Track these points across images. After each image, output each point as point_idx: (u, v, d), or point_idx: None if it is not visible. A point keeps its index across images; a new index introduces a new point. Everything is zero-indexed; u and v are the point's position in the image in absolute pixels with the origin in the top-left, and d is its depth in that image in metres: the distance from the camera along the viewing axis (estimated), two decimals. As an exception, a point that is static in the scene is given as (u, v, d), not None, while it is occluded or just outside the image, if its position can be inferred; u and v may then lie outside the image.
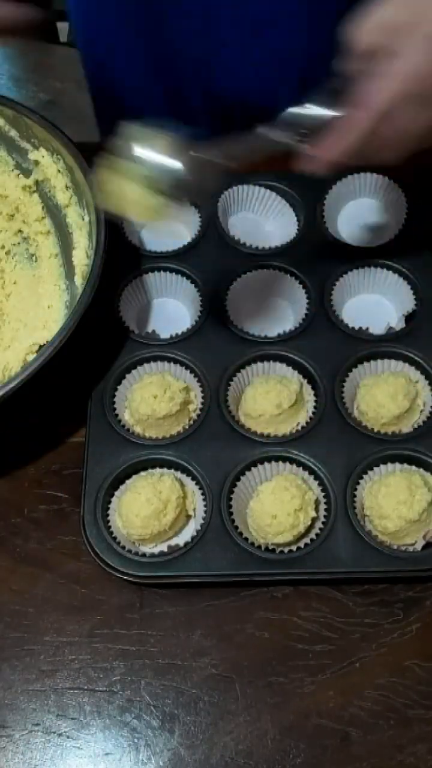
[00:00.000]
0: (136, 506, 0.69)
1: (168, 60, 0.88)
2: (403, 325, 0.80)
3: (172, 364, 0.78)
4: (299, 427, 0.74)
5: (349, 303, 0.84)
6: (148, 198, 0.63)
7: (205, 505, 0.70)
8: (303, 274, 0.82)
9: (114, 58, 0.90)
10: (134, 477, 0.73)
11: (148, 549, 0.70)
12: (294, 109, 0.61)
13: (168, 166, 0.62)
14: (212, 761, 0.63)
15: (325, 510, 0.70)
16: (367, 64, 0.58)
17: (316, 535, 0.69)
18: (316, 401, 0.76)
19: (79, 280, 0.77)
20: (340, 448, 0.72)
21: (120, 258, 0.82)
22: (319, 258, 0.83)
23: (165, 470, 0.73)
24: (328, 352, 0.78)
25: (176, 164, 0.62)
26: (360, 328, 0.80)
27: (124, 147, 0.62)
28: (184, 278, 0.83)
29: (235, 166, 0.63)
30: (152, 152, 0.62)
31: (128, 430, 0.74)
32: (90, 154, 0.78)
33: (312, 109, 0.60)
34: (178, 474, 0.72)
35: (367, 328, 0.80)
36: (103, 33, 0.88)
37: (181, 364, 0.78)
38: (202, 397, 0.76)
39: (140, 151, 0.62)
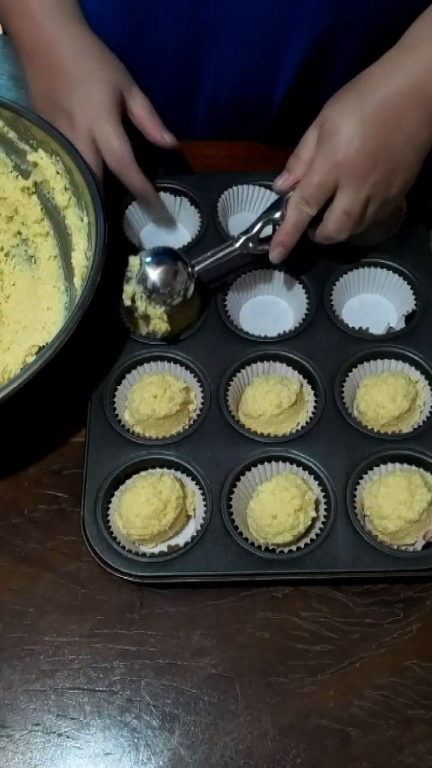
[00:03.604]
0: (136, 506, 0.69)
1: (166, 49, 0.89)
2: (403, 325, 0.80)
3: (172, 364, 0.78)
4: (299, 427, 0.74)
5: (349, 303, 0.84)
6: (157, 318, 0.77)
7: (205, 505, 0.70)
8: (303, 274, 0.82)
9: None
10: (134, 477, 0.73)
11: (148, 549, 0.71)
12: (258, 221, 0.78)
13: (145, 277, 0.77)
14: (212, 761, 0.63)
15: (325, 510, 0.70)
16: (298, 173, 0.75)
17: (316, 535, 0.69)
18: (316, 401, 0.76)
19: (78, 282, 0.77)
20: (340, 448, 0.72)
21: (120, 258, 0.82)
22: (319, 258, 0.83)
23: (165, 470, 0.73)
24: (328, 352, 0.78)
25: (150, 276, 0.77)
26: (360, 328, 0.80)
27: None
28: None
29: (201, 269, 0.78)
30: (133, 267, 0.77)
31: (128, 430, 0.75)
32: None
33: (270, 215, 0.78)
34: (178, 474, 0.73)
35: (367, 328, 0.80)
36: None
37: (181, 364, 0.78)
38: (202, 397, 0.76)
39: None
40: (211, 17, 0.83)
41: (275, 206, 0.77)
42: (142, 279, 0.76)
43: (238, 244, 0.78)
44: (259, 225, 0.78)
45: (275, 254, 0.78)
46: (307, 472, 0.72)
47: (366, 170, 0.72)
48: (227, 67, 0.88)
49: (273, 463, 0.73)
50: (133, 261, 0.77)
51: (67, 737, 0.64)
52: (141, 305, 0.77)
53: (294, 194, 0.75)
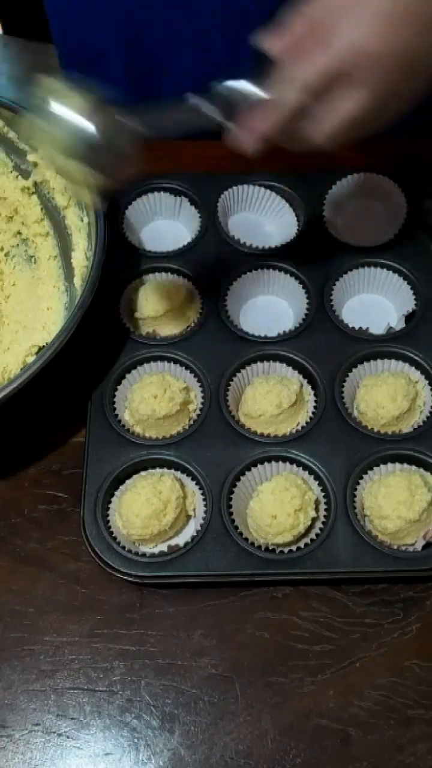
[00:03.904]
0: (136, 506, 0.69)
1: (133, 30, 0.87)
2: (403, 325, 0.80)
3: (172, 364, 0.78)
4: (299, 427, 0.74)
5: (349, 303, 0.84)
6: (69, 164, 0.59)
7: (205, 505, 0.70)
8: (303, 274, 0.82)
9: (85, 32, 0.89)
10: (134, 477, 0.73)
11: (148, 549, 0.70)
12: (229, 83, 0.58)
13: (81, 126, 0.56)
14: (212, 761, 0.63)
15: (325, 510, 0.70)
16: (302, 40, 0.55)
17: (316, 535, 0.69)
18: (316, 401, 0.76)
19: (78, 282, 0.77)
20: (340, 448, 0.72)
21: (120, 258, 0.82)
22: (319, 258, 0.83)
23: (165, 470, 0.73)
24: (328, 352, 0.78)
25: (89, 126, 0.56)
26: (360, 328, 0.80)
27: (40, 103, 0.57)
28: (185, 278, 0.83)
29: (154, 135, 0.58)
30: (67, 110, 0.56)
31: (128, 430, 0.75)
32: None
33: (246, 85, 0.57)
34: (178, 474, 0.73)
35: (367, 328, 0.80)
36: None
37: (181, 364, 0.78)
38: (202, 397, 0.76)
39: (55, 107, 0.57)
40: (156, 18, 0.82)
41: (255, 75, 0.57)
42: (82, 126, 0.56)
43: (190, 102, 0.58)
44: (221, 90, 0.58)
45: (242, 138, 0.58)
46: (307, 472, 0.72)
47: (393, 66, 0.54)
48: (183, 69, 0.87)
49: (273, 463, 0.73)
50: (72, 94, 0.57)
51: (67, 737, 0.64)
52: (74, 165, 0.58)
53: (290, 71, 0.55)
